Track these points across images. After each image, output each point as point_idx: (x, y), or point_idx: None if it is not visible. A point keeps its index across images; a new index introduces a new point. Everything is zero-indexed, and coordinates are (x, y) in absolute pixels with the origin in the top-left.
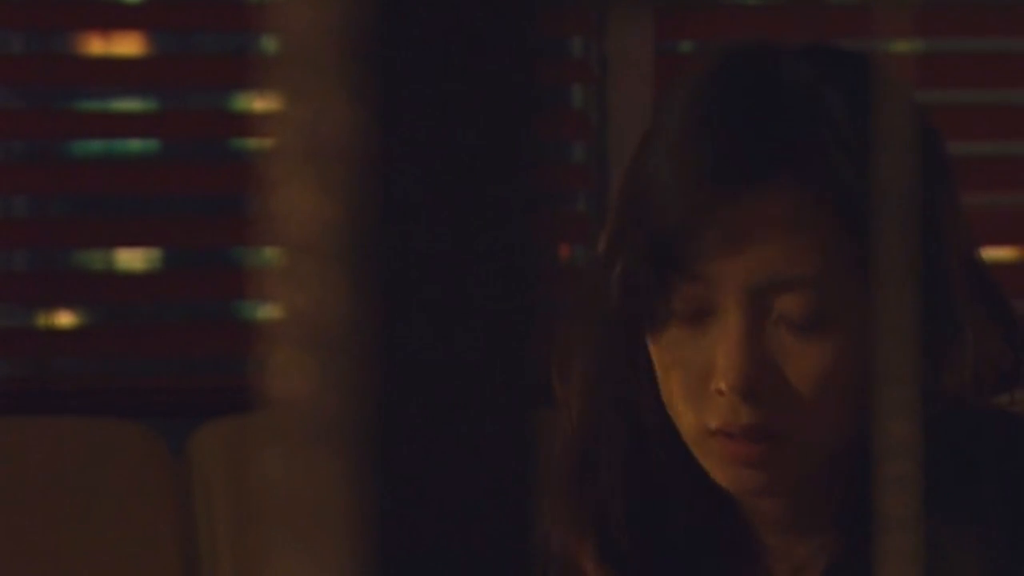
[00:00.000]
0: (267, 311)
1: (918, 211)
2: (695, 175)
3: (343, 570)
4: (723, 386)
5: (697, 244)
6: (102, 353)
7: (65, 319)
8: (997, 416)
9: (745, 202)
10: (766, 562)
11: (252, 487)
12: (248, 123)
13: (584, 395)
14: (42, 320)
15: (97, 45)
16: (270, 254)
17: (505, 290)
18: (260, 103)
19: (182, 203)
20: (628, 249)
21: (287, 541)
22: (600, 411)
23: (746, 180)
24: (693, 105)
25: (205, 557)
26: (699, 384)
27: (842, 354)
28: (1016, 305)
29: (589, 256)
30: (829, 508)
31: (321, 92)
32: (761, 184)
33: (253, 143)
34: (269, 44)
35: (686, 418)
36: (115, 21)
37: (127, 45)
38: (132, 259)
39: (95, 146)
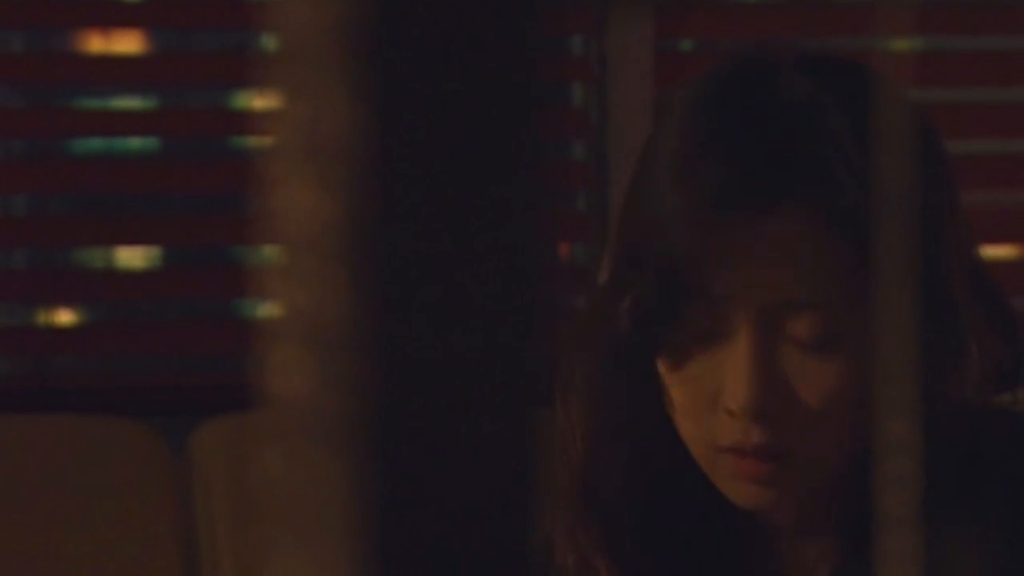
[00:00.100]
0: (267, 309)
1: (918, 211)
2: (701, 204)
3: (343, 568)
4: (733, 407)
5: (706, 268)
6: (102, 351)
7: (65, 317)
8: (999, 415)
9: (753, 225)
10: (772, 567)
11: (252, 485)
12: (248, 121)
13: (590, 417)
14: (42, 318)
15: (97, 43)
16: (270, 252)
17: (505, 289)
18: (260, 101)
19: (182, 201)
20: (638, 281)
21: (287, 539)
22: (607, 431)
23: (753, 205)
24: (692, 129)
25: (205, 555)
26: (708, 403)
27: (850, 372)
28: (1016, 303)
29: (591, 288)
30: (834, 514)
31: (321, 90)
32: (769, 207)
33: (253, 141)
34: (269, 42)
35: (695, 435)
36: (115, 19)
37: (127, 43)
38: (132, 257)
39: (95, 144)
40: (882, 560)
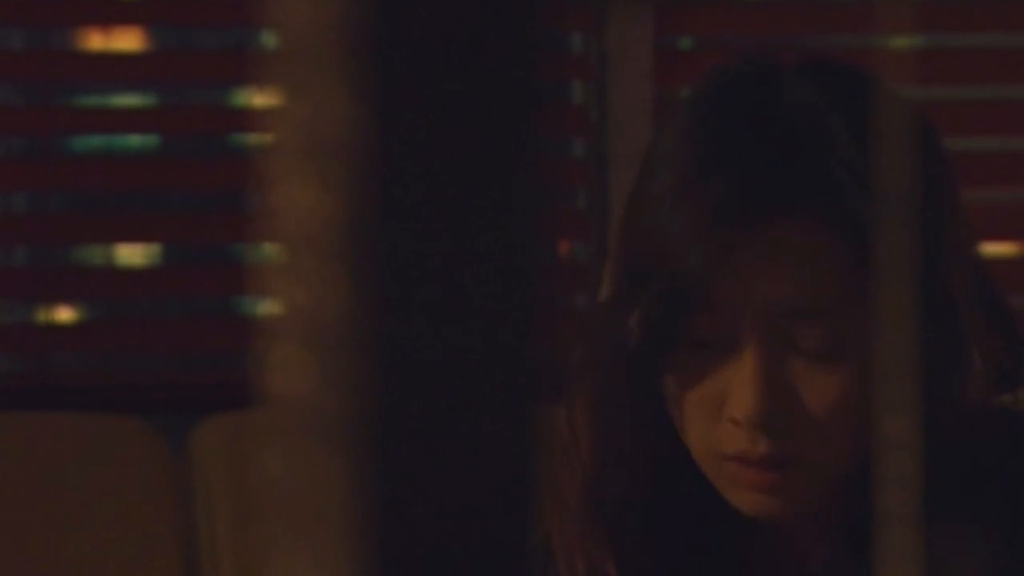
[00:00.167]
0: (267, 308)
1: (918, 211)
2: (705, 219)
3: (342, 566)
4: (739, 417)
5: (712, 281)
6: (102, 349)
7: (65, 315)
8: (1000, 415)
9: (758, 237)
10: (776, 571)
11: (252, 484)
12: (248, 119)
13: (596, 429)
14: (42, 316)
15: (97, 41)
16: (270, 250)
17: (505, 287)
18: (260, 99)
19: (182, 199)
20: (643, 296)
21: (287, 538)
22: (613, 442)
23: (758, 217)
24: (694, 143)
25: (205, 553)
26: (713, 412)
27: (855, 380)
28: (1016, 301)
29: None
30: (837, 518)
31: (321, 88)
32: (774, 218)
33: (253, 139)
34: (269, 40)
35: (699, 443)
36: (115, 17)
37: (127, 41)
38: (132, 255)
39: (95, 142)
40: (882, 559)
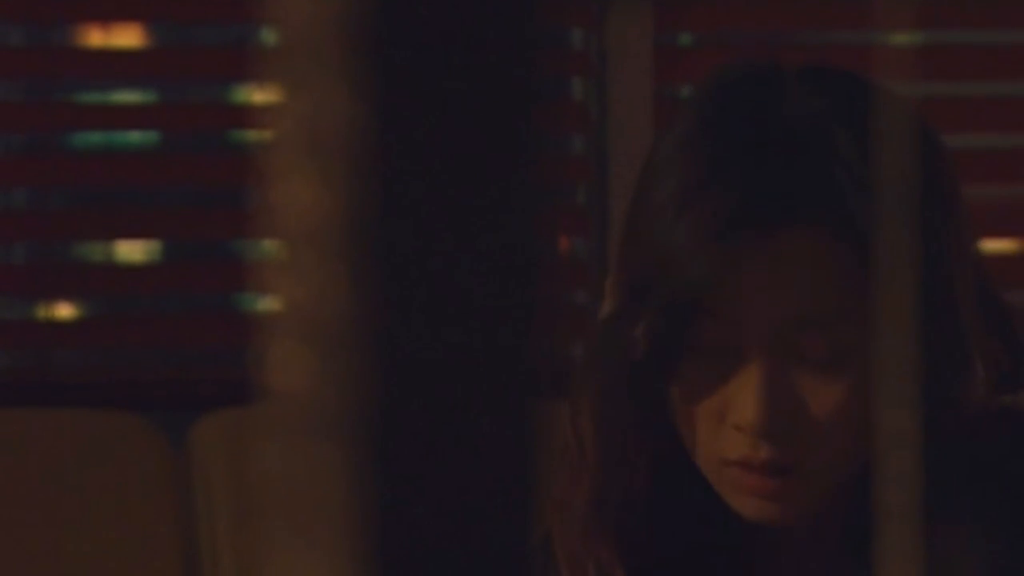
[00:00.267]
0: (267, 304)
1: (918, 212)
2: (709, 231)
3: (342, 563)
4: (743, 424)
5: (717, 292)
6: (102, 345)
7: (65, 311)
8: (1001, 415)
9: (762, 247)
10: (776, 573)
11: (252, 480)
12: (248, 116)
13: (601, 438)
14: (42, 312)
15: (97, 37)
16: (270, 247)
17: (505, 284)
18: (260, 95)
19: (182, 195)
20: (648, 309)
21: (287, 534)
22: (618, 450)
23: (762, 228)
24: (696, 150)
25: (205, 550)
26: (716, 417)
27: (858, 386)
28: (1016, 297)
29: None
30: (840, 520)
31: (321, 84)
32: (777, 229)
33: (253, 135)
34: (269, 36)
35: (702, 449)
36: (115, 13)
37: (127, 37)
38: (132, 251)
39: (95, 138)
40: (882, 557)
